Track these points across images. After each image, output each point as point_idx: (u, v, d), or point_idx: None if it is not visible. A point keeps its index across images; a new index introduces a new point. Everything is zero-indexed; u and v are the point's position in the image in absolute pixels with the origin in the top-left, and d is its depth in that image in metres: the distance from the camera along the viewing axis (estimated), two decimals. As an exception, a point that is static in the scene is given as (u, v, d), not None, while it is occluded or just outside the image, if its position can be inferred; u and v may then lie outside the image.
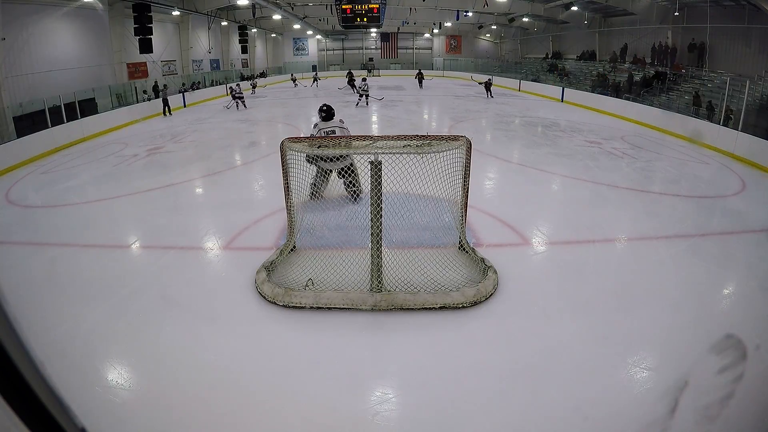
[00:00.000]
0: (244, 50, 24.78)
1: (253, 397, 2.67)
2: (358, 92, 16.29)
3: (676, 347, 3.09)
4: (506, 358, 2.99)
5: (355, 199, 5.32)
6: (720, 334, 3.17)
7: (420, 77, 23.18)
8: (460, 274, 3.86)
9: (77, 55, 14.00)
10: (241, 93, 16.13)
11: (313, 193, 5.21)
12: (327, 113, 5.90)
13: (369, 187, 3.47)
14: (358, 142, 3.91)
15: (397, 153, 3.56)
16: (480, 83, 19.03)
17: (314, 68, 32.18)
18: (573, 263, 4.37)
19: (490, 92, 18.23)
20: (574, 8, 19.59)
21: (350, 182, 5.22)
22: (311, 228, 4.54)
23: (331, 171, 5.36)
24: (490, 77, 19.32)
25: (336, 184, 5.49)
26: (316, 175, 5.24)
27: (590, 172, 7.44)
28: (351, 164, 5.05)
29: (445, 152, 3.78)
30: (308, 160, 4.68)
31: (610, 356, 3.01)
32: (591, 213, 5.65)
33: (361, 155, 3.65)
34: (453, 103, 17.10)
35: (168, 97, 15.06)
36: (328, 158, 5.00)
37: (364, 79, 16.64)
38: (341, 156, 5.00)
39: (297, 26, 29.45)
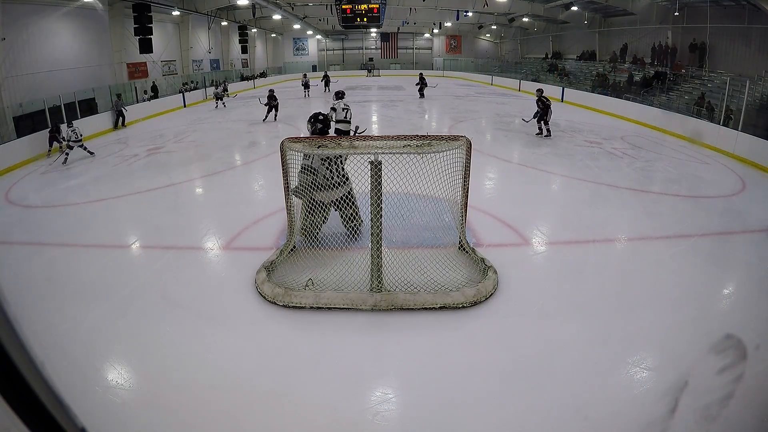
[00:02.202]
0: (244, 50, 24.77)
1: (253, 396, 2.67)
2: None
3: (676, 347, 3.09)
4: (506, 358, 2.99)
5: (356, 233, 4.49)
6: (720, 334, 3.17)
7: (422, 84, 17.72)
8: (460, 274, 3.85)
9: (77, 55, 14.00)
10: (221, 93, 17.05)
11: (308, 234, 4.23)
12: (324, 124, 4.76)
13: (369, 187, 3.47)
14: (358, 142, 3.91)
15: (397, 153, 3.56)
16: (529, 119, 10.55)
17: (314, 68, 32.09)
18: (573, 263, 4.38)
19: (546, 124, 10.16)
20: (574, 8, 19.59)
21: (350, 215, 4.39)
22: (311, 234, 4.44)
23: (325, 203, 4.32)
24: (540, 89, 10.56)
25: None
26: (308, 210, 4.20)
27: (590, 172, 7.44)
28: (349, 191, 4.31)
29: (445, 152, 3.78)
30: (296, 194, 4.14)
31: (610, 356, 3.01)
32: (591, 213, 5.65)
33: (361, 156, 3.64)
34: (453, 103, 17.10)
35: (124, 108, 13.04)
36: (322, 187, 4.19)
37: (342, 96, 8.14)
38: (339, 183, 4.28)
39: (297, 26, 29.45)
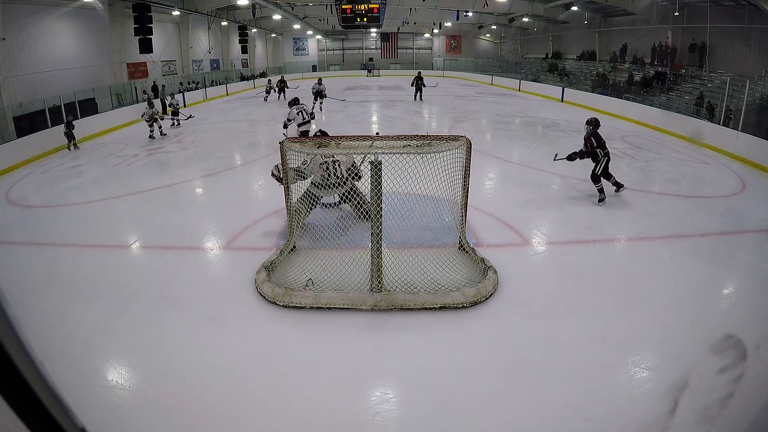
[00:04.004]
0: (244, 50, 24.76)
1: (253, 397, 2.67)
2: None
3: (676, 347, 3.09)
4: (506, 357, 2.99)
5: (367, 216, 4.55)
6: (720, 334, 3.17)
7: (419, 84, 16.38)
8: (460, 274, 3.86)
9: (77, 55, 13.98)
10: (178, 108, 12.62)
11: (295, 217, 4.42)
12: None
13: (369, 187, 3.47)
14: (358, 142, 3.91)
15: (397, 153, 3.57)
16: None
17: (314, 68, 32.06)
18: (573, 263, 4.38)
19: (610, 177, 6.01)
20: (574, 8, 19.56)
21: (357, 203, 4.80)
22: (310, 230, 4.49)
23: (319, 198, 4.78)
24: (596, 119, 6.03)
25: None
26: (303, 197, 4.56)
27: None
28: (351, 187, 4.74)
29: (445, 152, 3.78)
30: (296, 176, 4.38)
31: (610, 356, 3.01)
32: (591, 213, 5.65)
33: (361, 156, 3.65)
34: (453, 103, 17.08)
35: (165, 98, 14.12)
36: (323, 185, 4.60)
37: (296, 102, 8.64)
38: (335, 184, 4.60)
39: (297, 26, 29.43)
